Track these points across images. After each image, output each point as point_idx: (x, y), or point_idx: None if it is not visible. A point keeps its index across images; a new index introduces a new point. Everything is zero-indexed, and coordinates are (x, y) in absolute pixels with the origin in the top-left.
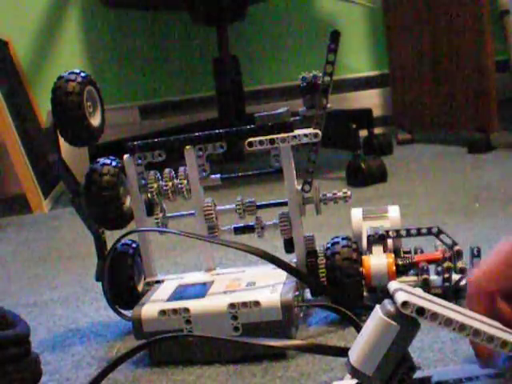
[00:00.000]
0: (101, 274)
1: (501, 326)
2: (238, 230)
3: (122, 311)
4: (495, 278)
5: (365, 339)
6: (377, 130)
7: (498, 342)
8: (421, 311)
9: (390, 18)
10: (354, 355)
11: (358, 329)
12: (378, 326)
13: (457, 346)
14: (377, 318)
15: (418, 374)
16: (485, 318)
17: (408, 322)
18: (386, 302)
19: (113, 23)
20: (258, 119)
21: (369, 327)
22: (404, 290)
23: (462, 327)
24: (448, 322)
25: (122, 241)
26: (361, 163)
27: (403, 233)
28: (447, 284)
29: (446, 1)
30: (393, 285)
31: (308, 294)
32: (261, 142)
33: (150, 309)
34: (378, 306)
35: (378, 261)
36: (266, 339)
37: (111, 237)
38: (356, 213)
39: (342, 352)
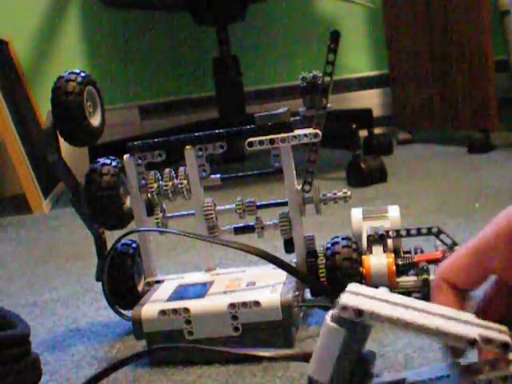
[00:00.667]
0: (101, 274)
1: (473, 319)
2: (238, 230)
3: (122, 311)
4: (458, 272)
5: (317, 346)
6: (377, 130)
7: (451, 336)
8: (360, 313)
9: (389, 18)
10: (311, 364)
11: None
12: (325, 332)
13: None
14: (324, 323)
15: (390, 377)
16: (452, 312)
17: (355, 324)
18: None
19: (113, 23)
20: (257, 119)
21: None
22: (351, 292)
23: (407, 325)
24: (390, 320)
25: (122, 241)
26: (361, 163)
27: (403, 233)
28: None
29: (445, 1)
30: (348, 287)
31: (308, 294)
32: (261, 142)
33: (150, 309)
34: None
35: (377, 261)
36: (255, 349)
37: (111, 237)
38: (356, 213)
39: None
